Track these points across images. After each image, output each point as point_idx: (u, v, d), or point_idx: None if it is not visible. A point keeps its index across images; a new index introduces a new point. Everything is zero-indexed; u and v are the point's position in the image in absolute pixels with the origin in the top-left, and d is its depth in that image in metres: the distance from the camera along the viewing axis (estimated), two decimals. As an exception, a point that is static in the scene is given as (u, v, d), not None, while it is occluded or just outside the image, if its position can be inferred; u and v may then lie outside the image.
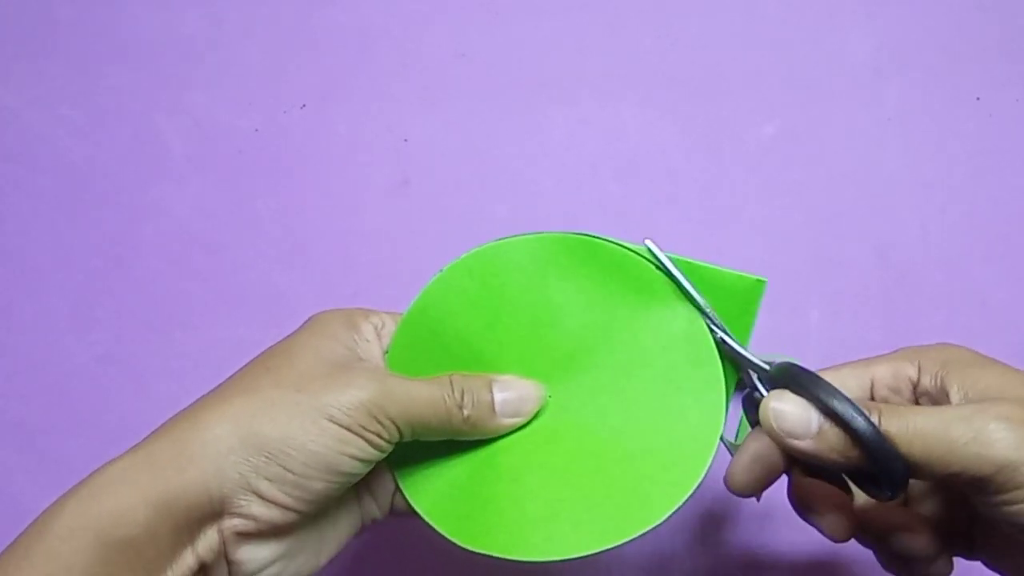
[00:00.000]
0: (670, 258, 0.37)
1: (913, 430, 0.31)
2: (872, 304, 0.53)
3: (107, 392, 0.54)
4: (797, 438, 0.32)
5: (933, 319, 0.52)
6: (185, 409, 0.33)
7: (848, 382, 0.36)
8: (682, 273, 0.37)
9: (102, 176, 0.58)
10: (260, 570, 0.33)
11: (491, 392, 0.36)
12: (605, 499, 0.35)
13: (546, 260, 0.38)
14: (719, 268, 0.37)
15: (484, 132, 0.57)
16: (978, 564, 0.37)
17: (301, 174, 0.57)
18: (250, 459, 0.31)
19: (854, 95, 0.55)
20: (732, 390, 0.37)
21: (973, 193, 0.54)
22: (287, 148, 0.57)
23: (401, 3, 0.59)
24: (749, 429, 0.38)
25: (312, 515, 0.33)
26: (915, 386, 0.36)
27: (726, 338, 0.36)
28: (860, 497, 0.38)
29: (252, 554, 0.33)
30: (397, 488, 0.37)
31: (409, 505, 0.37)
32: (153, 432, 0.32)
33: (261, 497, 0.31)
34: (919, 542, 0.36)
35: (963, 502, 0.37)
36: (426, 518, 0.36)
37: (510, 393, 0.37)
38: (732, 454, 0.40)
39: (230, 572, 0.33)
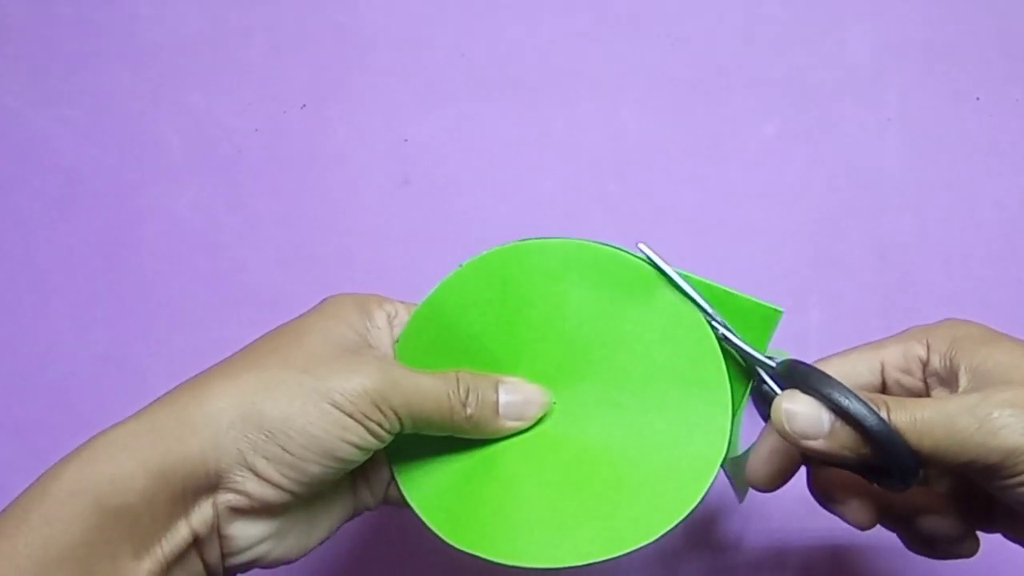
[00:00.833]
0: (685, 277, 0.37)
1: (921, 423, 0.31)
2: (872, 304, 0.52)
3: (107, 392, 0.54)
4: (810, 438, 0.32)
5: (933, 319, 0.52)
6: (190, 379, 0.33)
7: (858, 367, 0.36)
8: (680, 276, 0.37)
9: (102, 176, 0.58)
10: (250, 547, 0.33)
11: (497, 393, 0.36)
12: (599, 512, 0.35)
13: (568, 266, 0.37)
14: (738, 293, 0.37)
15: (484, 132, 0.57)
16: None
17: (301, 174, 0.57)
18: (249, 435, 0.31)
19: (854, 95, 0.55)
20: (739, 410, 0.37)
21: (973, 193, 0.54)
22: (287, 148, 0.57)
23: (401, 3, 0.59)
24: (739, 442, 0.38)
25: (305, 497, 0.33)
26: (925, 366, 0.36)
27: (730, 336, 0.36)
28: None
29: (243, 530, 0.33)
30: (393, 479, 0.37)
31: (403, 497, 0.37)
32: (157, 399, 0.32)
33: (256, 475, 0.31)
34: (944, 522, 0.36)
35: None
36: (418, 512, 0.36)
37: (515, 396, 0.36)
38: (728, 476, 0.40)
39: (221, 547, 0.33)
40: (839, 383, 0.33)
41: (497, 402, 0.36)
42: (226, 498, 0.32)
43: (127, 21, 0.60)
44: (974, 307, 0.52)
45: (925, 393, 0.36)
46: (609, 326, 0.37)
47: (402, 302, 0.38)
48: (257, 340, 0.35)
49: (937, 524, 0.36)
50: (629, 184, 0.55)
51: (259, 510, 0.32)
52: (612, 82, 0.57)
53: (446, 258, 0.55)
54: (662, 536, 0.34)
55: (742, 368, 0.37)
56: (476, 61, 0.58)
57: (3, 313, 0.56)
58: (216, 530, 0.32)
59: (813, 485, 0.37)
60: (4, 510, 0.30)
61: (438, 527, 0.36)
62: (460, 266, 0.38)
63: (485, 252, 0.38)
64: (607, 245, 0.37)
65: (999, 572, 0.48)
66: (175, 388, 0.33)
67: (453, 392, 0.34)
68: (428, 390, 0.34)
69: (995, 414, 0.30)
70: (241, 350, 0.34)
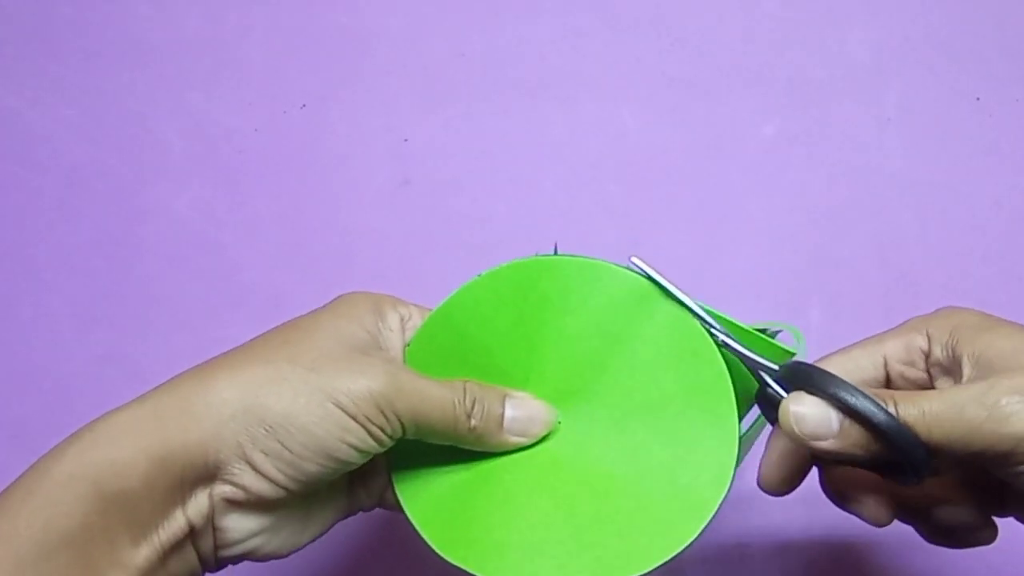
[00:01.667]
0: (709, 312, 0.36)
1: (930, 415, 0.31)
2: (872, 304, 0.52)
3: (107, 392, 0.54)
4: (820, 439, 0.32)
5: (933, 319, 0.52)
6: (197, 366, 0.33)
7: (861, 363, 0.36)
8: (674, 285, 0.36)
9: (102, 176, 0.58)
10: (243, 540, 0.33)
11: (503, 407, 0.36)
12: (590, 540, 0.34)
13: (585, 286, 0.37)
14: (755, 331, 0.36)
15: (484, 132, 0.57)
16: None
17: (301, 174, 0.57)
18: (250, 429, 0.31)
19: (854, 95, 0.55)
20: (745, 441, 0.37)
21: (973, 193, 0.54)
22: (287, 148, 0.57)
23: (401, 3, 0.59)
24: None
25: (301, 495, 0.33)
26: (927, 356, 0.35)
27: (731, 343, 0.36)
28: None
29: (237, 523, 0.32)
30: (390, 483, 0.37)
31: (398, 502, 0.36)
32: (162, 385, 0.32)
33: (254, 468, 0.31)
34: (961, 511, 0.36)
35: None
36: (412, 519, 0.36)
37: (521, 411, 0.36)
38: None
39: (214, 538, 0.32)
40: (845, 381, 0.32)
41: (502, 416, 0.35)
42: (222, 490, 0.32)
43: (127, 21, 0.60)
44: (974, 306, 0.52)
45: (929, 384, 0.36)
46: (622, 349, 0.36)
47: (416, 306, 0.38)
48: (268, 332, 0.35)
49: (954, 513, 0.36)
50: (629, 184, 0.55)
51: (254, 504, 0.32)
52: (612, 82, 0.57)
53: (446, 258, 0.55)
54: (657, 567, 0.34)
55: (744, 373, 0.37)
56: (476, 61, 0.58)
57: (3, 313, 0.56)
58: (211, 521, 0.32)
59: (826, 485, 0.37)
60: (6, 490, 0.30)
61: (430, 536, 0.35)
62: (478, 275, 0.37)
63: (504, 264, 0.37)
64: (625, 267, 0.37)
65: (1009, 560, 0.49)
66: (181, 374, 0.33)
67: (459, 402, 0.34)
68: (434, 397, 0.33)
69: (1003, 401, 0.30)
70: (250, 341, 0.34)
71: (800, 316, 0.53)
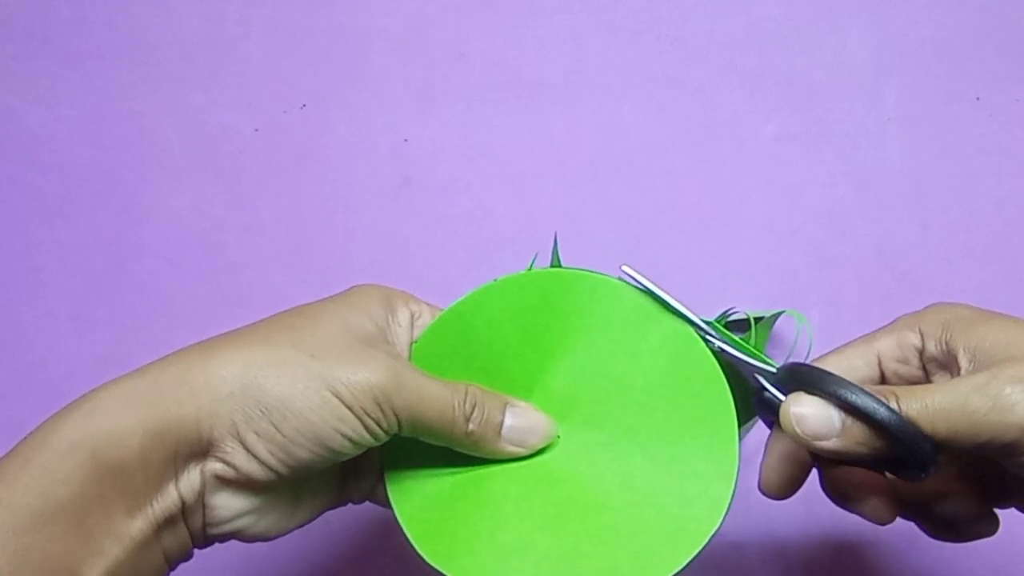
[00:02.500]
0: (706, 321, 0.36)
1: (933, 409, 0.31)
2: (872, 304, 0.52)
3: (107, 392, 0.54)
4: (822, 439, 0.32)
5: (933, 319, 0.52)
6: (199, 342, 0.33)
7: (854, 362, 0.36)
8: (668, 294, 0.36)
9: (102, 176, 0.58)
10: (232, 519, 0.33)
11: (503, 415, 0.35)
12: (575, 557, 0.34)
13: (598, 302, 0.37)
14: (748, 345, 0.36)
15: (484, 132, 0.57)
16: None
17: (301, 174, 0.57)
18: (245, 408, 0.31)
19: (854, 95, 0.55)
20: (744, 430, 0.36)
21: (973, 193, 0.54)
22: (287, 148, 0.57)
23: (401, 3, 0.59)
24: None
25: (291, 479, 0.33)
26: (921, 353, 0.35)
27: (727, 348, 0.35)
28: None
29: (226, 501, 0.32)
30: (382, 478, 0.37)
31: (387, 499, 0.36)
32: (164, 357, 0.32)
33: (246, 448, 0.31)
34: (963, 503, 0.36)
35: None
36: (399, 518, 0.36)
37: (521, 421, 0.36)
38: None
39: (204, 516, 0.32)
40: (844, 379, 0.32)
41: (501, 424, 0.35)
42: (213, 467, 0.31)
43: (127, 21, 0.60)
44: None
45: (924, 380, 0.36)
46: (629, 369, 0.36)
47: (428, 304, 0.38)
48: (275, 315, 0.34)
49: (956, 506, 0.36)
50: (629, 184, 0.55)
51: (244, 484, 0.32)
52: (612, 82, 0.57)
53: (446, 258, 0.55)
54: None
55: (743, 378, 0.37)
56: (476, 61, 0.58)
57: (3, 313, 0.56)
58: (201, 498, 0.32)
59: (827, 487, 0.37)
60: (4, 457, 0.30)
61: (413, 536, 0.35)
62: (494, 279, 0.37)
63: (521, 272, 0.37)
64: (641, 288, 0.36)
65: (1010, 560, 0.49)
66: (182, 349, 0.33)
67: (459, 404, 0.34)
68: (434, 397, 0.33)
69: (1007, 390, 0.30)
70: (257, 322, 0.34)
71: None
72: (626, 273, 0.36)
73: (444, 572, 0.34)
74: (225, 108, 0.58)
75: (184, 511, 0.32)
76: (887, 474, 0.37)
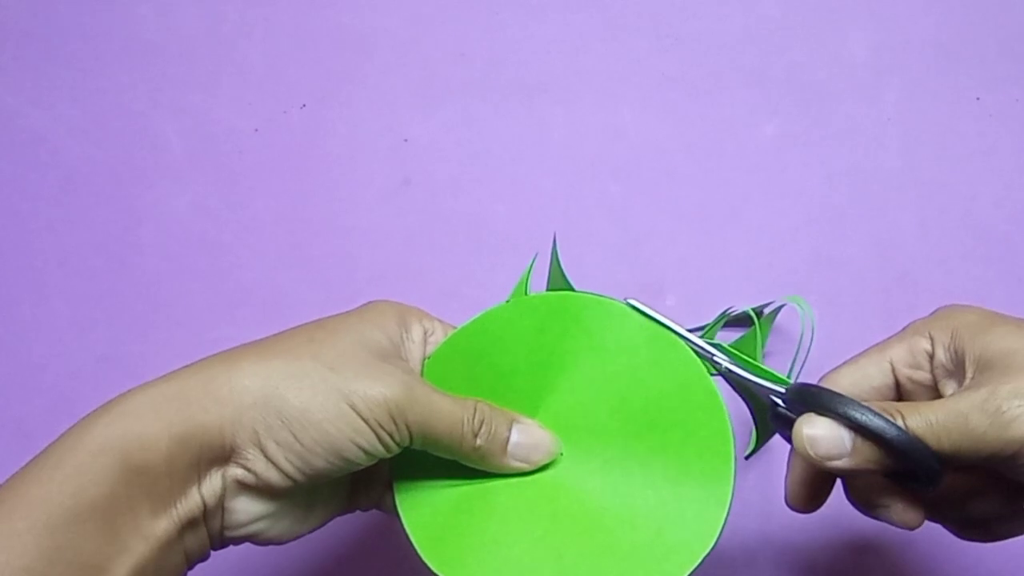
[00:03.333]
0: (724, 348, 0.37)
1: (937, 426, 0.32)
2: (872, 303, 0.53)
3: (107, 392, 0.54)
4: (834, 459, 0.33)
5: (933, 319, 0.52)
6: (223, 352, 0.34)
7: (869, 371, 0.37)
8: (675, 323, 0.37)
9: (102, 176, 0.58)
10: (248, 523, 0.34)
11: (509, 431, 0.37)
12: (575, 570, 0.35)
13: (608, 327, 0.38)
14: (756, 363, 0.37)
15: (484, 132, 0.57)
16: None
17: (301, 174, 0.57)
18: (267, 418, 0.32)
19: (854, 95, 0.55)
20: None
21: (973, 193, 0.54)
22: (287, 148, 0.57)
23: (401, 3, 0.59)
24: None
25: (306, 487, 0.34)
26: (931, 359, 0.36)
27: (736, 370, 0.36)
28: None
29: (245, 506, 0.34)
30: (391, 488, 0.38)
31: (395, 508, 0.37)
32: (189, 365, 0.34)
33: (266, 456, 0.33)
34: (994, 502, 0.36)
35: None
36: (406, 527, 0.37)
37: (526, 438, 0.37)
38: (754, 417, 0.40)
39: (222, 519, 0.34)
40: (851, 399, 0.33)
41: (507, 440, 0.36)
42: (234, 472, 0.33)
43: (127, 21, 0.60)
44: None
45: (935, 386, 0.36)
46: (631, 392, 0.37)
47: (441, 321, 0.39)
48: (296, 328, 0.36)
49: (987, 505, 0.36)
50: (629, 184, 0.55)
51: (262, 490, 0.34)
52: (612, 82, 0.57)
53: (446, 258, 0.55)
54: None
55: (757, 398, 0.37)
56: (476, 61, 0.58)
57: (3, 313, 0.56)
58: (221, 501, 0.33)
59: (852, 496, 0.37)
60: (38, 456, 0.31)
61: (419, 544, 0.36)
62: (507, 300, 0.39)
63: (535, 294, 0.39)
64: (654, 318, 0.37)
65: (1010, 559, 0.49)
66: (207, 358, 0.34)
67: (467, 419, 0.35)
68: (444, 412, 0.34)
69: (1004, 407, 0.31)
70: (278, 334, 0.36)
71: (800, 316, 0.53)
72: (632, 305, 0.37)
73: None
74: (225, 108, 0.58)
75: (205, 514, 0.33)
76: None
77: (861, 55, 0.56)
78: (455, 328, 0.39)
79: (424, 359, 0.38)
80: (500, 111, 0.57)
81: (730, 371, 0.36)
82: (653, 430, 0.37)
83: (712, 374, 0.37)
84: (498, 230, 0.55)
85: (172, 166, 0.58)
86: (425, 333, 0.38)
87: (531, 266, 0.41)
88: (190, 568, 0.34)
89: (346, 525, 0.51)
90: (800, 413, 0.34)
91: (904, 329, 0.37)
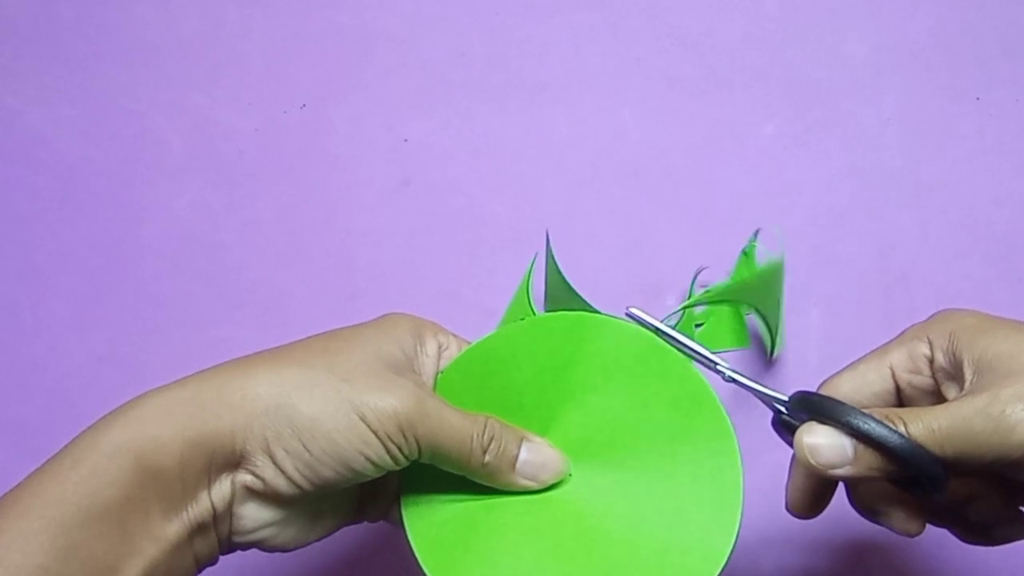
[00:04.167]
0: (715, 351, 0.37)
1: (939, 432, 0.31)
2: (872, 304, 0.53)
3: (107, 392, 0.54)
4: (836, 467, 0.33)
5: (933, 319, 0.52)
6: (237, 359, 0.35)
7: (869, 376, 0.37)
8: (680, 332, 0.37)
9: (102, 176, 0.58)
10: (256, 529, 0.34)
11: (519, 449, 0.37)
12: None
13: (622, 350, 0.38)
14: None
15: (484, 132, 0.57)
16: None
17: (301, 174, 0.57)
18: (277, 426, 0.32)
19: (854, 95, 0.55)
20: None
21: (973, 193, 0.54)
22: (287, 148, 0.57)
23: (401, 3, 0.59)
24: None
25: (314, 495, 0.34)
26: (931, 362, 0.36)
27: (738, 378, 0.36)
28: None
29: (253, 512, 0.34)
30: (398, 501, 0.38)
31: (401, 521, 0.37)
32: (204, 371, 0.34)
33: (275, 463, 0.33)
34: (995, 505, 0.36)
35: None
36: (411, 539, 0.37)
37: (535, 456, 0.37)
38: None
39: (231, 524, 0.34)
40: (852, 407, 0.33)
41: (516, 457, 0.36)
42: (244, 478, 0.33)
43: (127, 21, 0.60)
44: (974, 307, 0.52)
45: (936, 390, 0.36)
46: (641, 415, 0.37)
47: (456, 336, 0.39)
48: (311, 337, 0.36)
49: (988, 509, 0.36)
50: (629, 184, 0.55)
51: (270, 497, 0.34)
52: (612, 82, 0.57)
53: (446, 258, 0.55)
54: None
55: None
56: (476, 61, 0.58)
57: (3, 313, 0.56)
58: (230, 507, 0.34)
59: (855, 502, 0.37)
60: (54, 457, 0.32)
61: (423, 558, 0.36)
62: (522, 320, 0.39)
63: (550, 314, 0.39)
64: (650, 327, 0.37)
65: (1010, 561, 0.49)
66: (222, 364, 0.34)
67: (477, 435, 0.35)
68: (454, 427, 0.35)
69: (1007, 411, 0.31)
70: (294, 343, 0.36)
71: (800, 316, 0.53)
72: (634, 315, 0.37)
73: None
74: (225, 108, 0.58)
75: (215, 518, 0.33)
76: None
77: (861, 55, 0.56)
78: (470, 343, 0.39)
79: (437, 373, 0.38)
80: (500, 111, 0.57)
81: (732, 379, 0.36)
82: (662, 455, 0.37)
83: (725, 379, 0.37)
84: (498, 230, 0.55)
85: (172, 166, 0.58)
86: (440, 347, 0.38)
87: (531, 266, 0.41)
88: (199, 571, 0.34)
89: (351, 533, 0.51)
90: (803, 421, 0.34)
91: (902, 334, 0.37)
